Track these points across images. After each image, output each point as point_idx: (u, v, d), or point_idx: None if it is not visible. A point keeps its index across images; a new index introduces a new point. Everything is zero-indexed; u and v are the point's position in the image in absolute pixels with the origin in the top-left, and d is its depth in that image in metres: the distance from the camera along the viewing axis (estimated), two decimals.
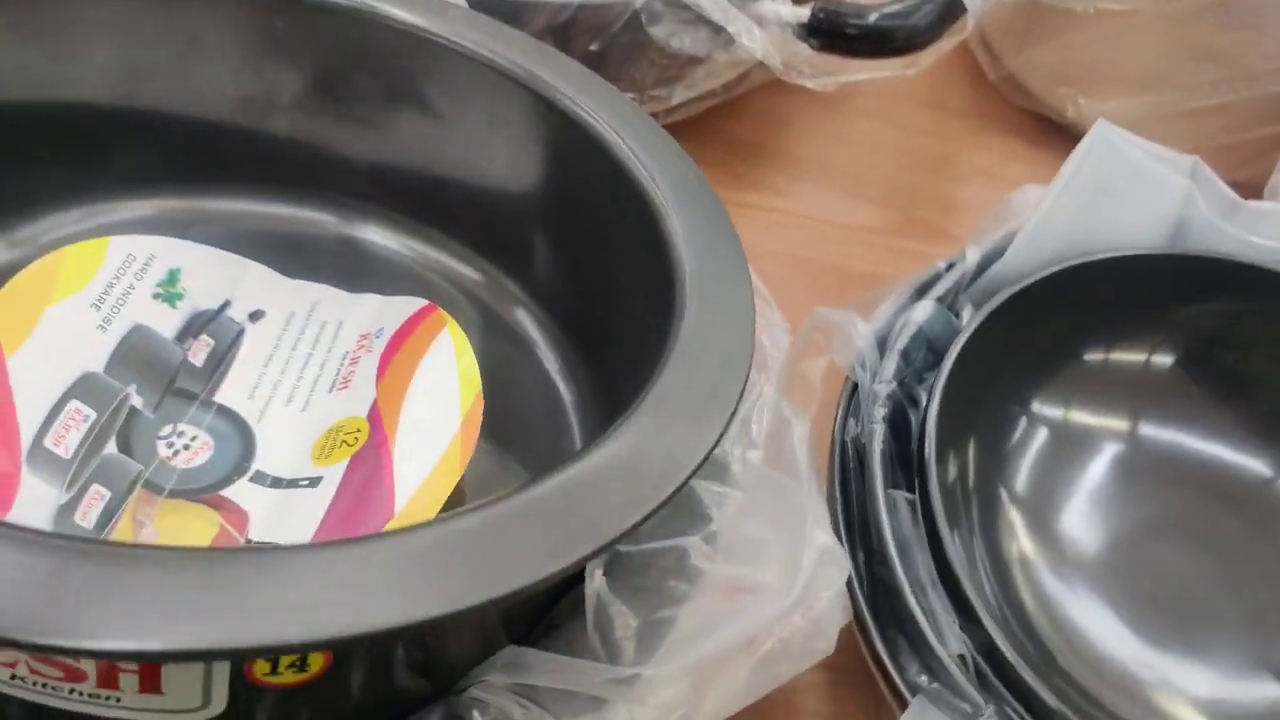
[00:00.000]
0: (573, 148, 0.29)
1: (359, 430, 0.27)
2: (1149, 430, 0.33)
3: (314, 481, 0.27)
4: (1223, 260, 0.31)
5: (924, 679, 0.26)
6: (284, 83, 0.31)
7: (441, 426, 0.27)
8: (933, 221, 0.45)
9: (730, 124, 0.45)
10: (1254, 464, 0.33)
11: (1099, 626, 0.30)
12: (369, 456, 0.27)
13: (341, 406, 0.28)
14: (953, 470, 0.30)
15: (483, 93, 0.30)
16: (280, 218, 0.33)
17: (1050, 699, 0.25)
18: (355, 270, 0.32)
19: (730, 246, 0.27)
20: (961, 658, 0.26)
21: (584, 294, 0.31)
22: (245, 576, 0.17)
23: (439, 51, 0.31)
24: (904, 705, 0.27)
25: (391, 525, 0.25)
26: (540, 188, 0.31)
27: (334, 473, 0.27)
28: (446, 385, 0.28)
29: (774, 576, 0.24)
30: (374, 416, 0.28)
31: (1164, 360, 0.33)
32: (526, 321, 0.32)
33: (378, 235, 0.34)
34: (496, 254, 0.33)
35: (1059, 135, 0.47)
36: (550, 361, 0.31)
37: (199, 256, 0.31)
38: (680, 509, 0.24)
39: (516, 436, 0.29)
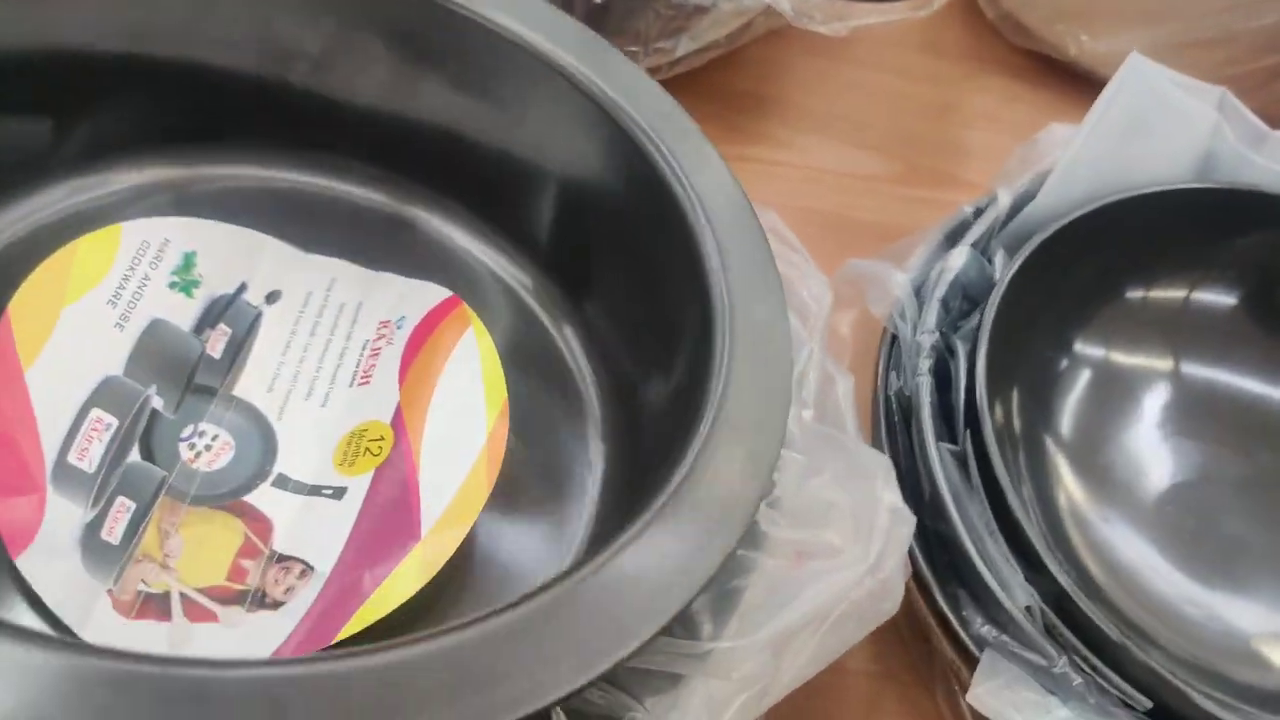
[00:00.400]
0: (631, 173, 0.28)
1: (383, 438, 0.27)
2: (1190, 367, 0.33)
3: (338, 492, 0.26)
4: (1259, 192, 0.31)
5: (987, 631, 0.26)
6: (311, 41, 0.29)
7: (467, 441, 0.26)
8: (938, 168, 0.45)
9: (728, 76, 0.44)
10: None
11: (1147, 568, 0.30)
12: (394, 471, 0.26)
13: (363, 406, 0.27)
14: (997, 416, 0.30)
15: (537, 89, 0.28)
16: (303, 185, 0.32)
17: (1120, 637, 0.24)
18: (390, 249, 0.31)
19: (773, 297, 0.26)
20: (1028, 609, 0.25)
21: (629, 316, 0.29)
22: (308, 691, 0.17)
23: (484, 33, 0.28)
24: (968, 659, 0.26)
25: (415, 552, 0.24)
26: (598, 204, 0.29)
27: (358, 485, 0.26)
28: (471, 393, 0.27)
29: (842, 539, 0.24)
30: (398, 424, 0.27)
31: (1204, 295, 0.33)
32: (570, 336, 0.30)
33: (424, 216, 0.32)
34: (547, 261, 0.31)
35: (1059, 74, 0.47)
36: (585, 379, 0.30)
37: (214, 235, 0.29)
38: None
39: (538, 453, 0.28)
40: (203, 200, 0.30)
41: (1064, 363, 0.32)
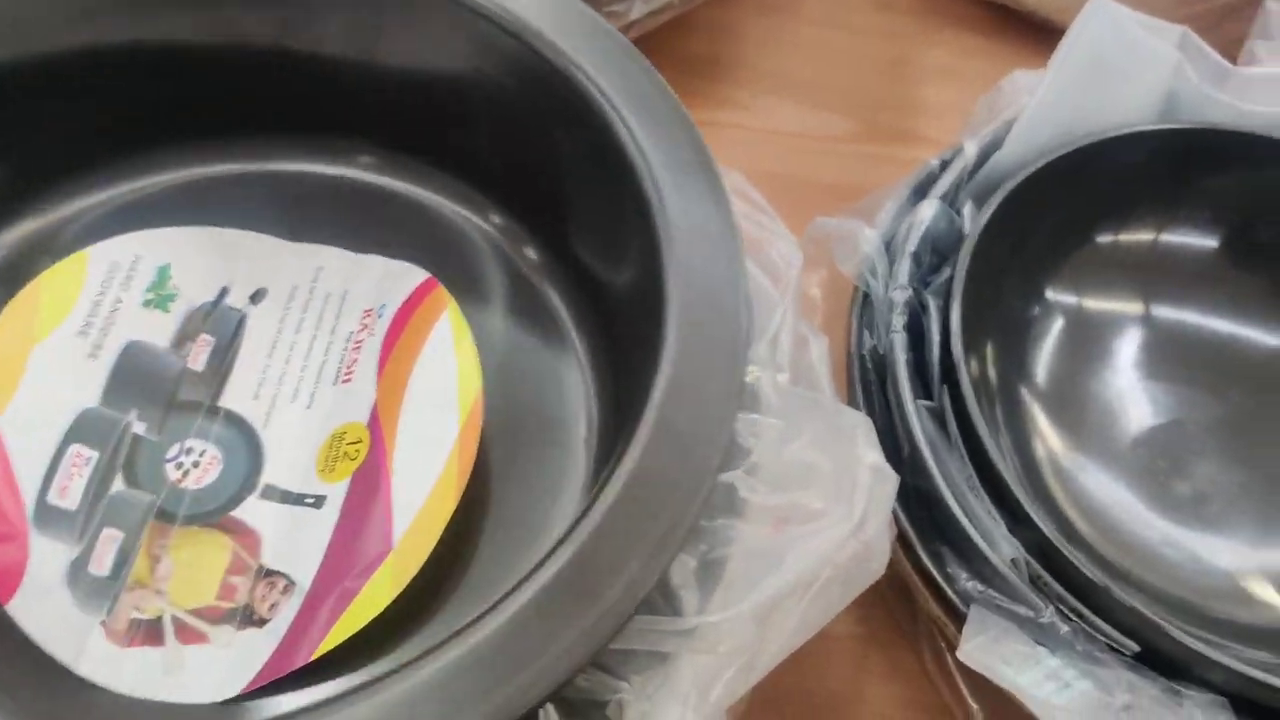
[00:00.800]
0: (571, 115, 0.26)
1: (360, 441, 0.26)
2: (1162, 310, 0.33)
3: (319, 501, 0.26)
4: (1224, 130, 0.31)
5: (972, 586, 0.26)
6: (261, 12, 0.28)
7: (439, 440, 0.26)
8: (897, 125, 0.44)
9: (682, 39, 0.43)
10: (1263, 335, 0.32)
11: (1125, 512, 0.30)
12: (369, 476, 0.26)
13: (344, 407, 0.27)
14: (973, 371, 0.29)
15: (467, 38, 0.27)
16: (276, 171, 0.31)
17: (1104, 581, 0.24)
18: (375, 225, 0.30)
19: (722, 224, 0.25)
20: (1013, 561, 0.25)
21: (590, 253, 0.29)
22: None
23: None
24: (954, 616, 0.26)
25: (388, 562, 0.24)
26: (542, 144, 0.28)
27: (337, 492, 0.26)
28: (444, 387, 0.26)
29: (824, 501, 0.23)
30: (374, 425, 0.26)
31: (1174, 237, 0.33)
32: (550, 289, 0.30)
33: (404, 186, 0.31)
34: (525, 213, 0.30)
35: (1016, 25, 0.46)
36: (565, 318, 0.29)
37: (188, 242, 0.29)
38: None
39: (529, 413, 0.27)
40: (171, 206, 0.29)
41: (1036, 311, 0.32)
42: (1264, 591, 0.29)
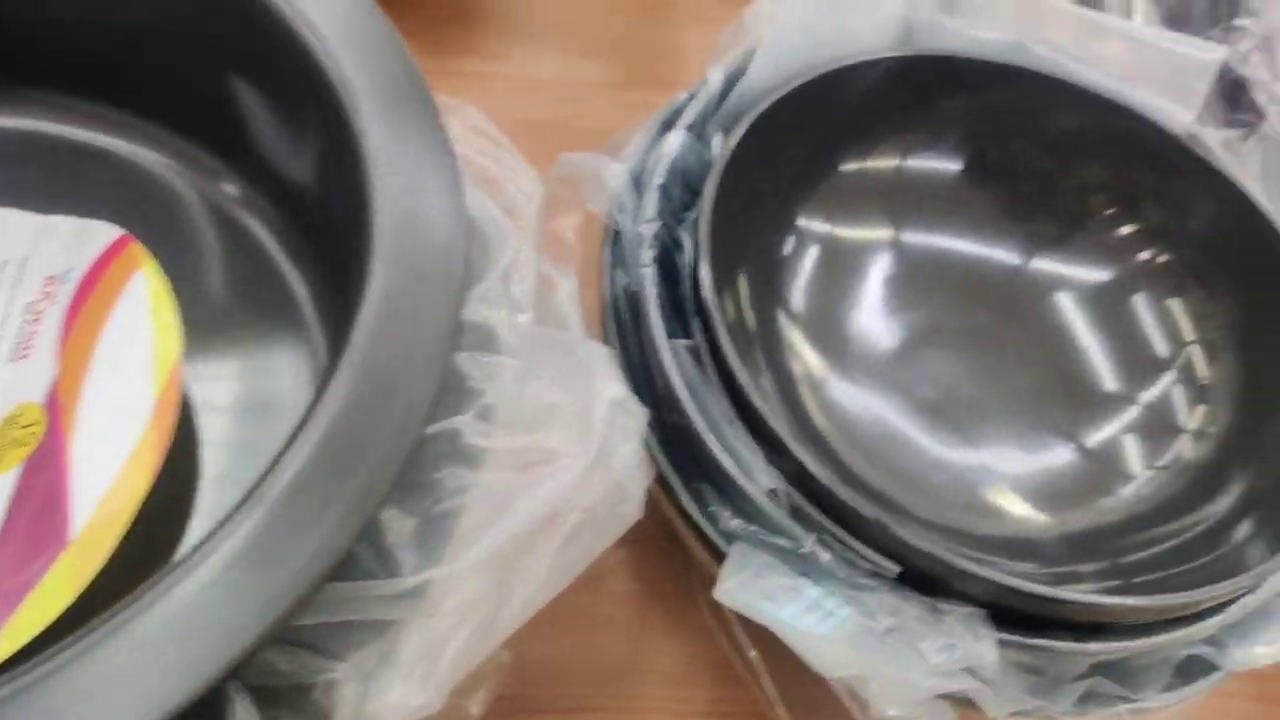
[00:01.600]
0: (261, 41, 0.23)
1: (35, 424, 0.22)
2: (910, 234, 0.33)
3: None
4: (951, 57, 0.31)
5: (736, 525, 0.25)
6: None
7: (131, 413, 0.22)
8: (656, 70, 0.43)
9: None
10: (1002, 254, 0.33)
11: (888, 437, 0.30)
12: (44, 462, 0.22)
13: (18, 385, 0.23)
14: (729, 306, 0.28)
15: None
16: None
17: (869, 511, 0.24)
18: (73, 187, 0.26)
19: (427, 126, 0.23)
20: (773, 492, 0.24)
21: (293, 183, 0.26)
22: None
23: None
24: (720, 558, 0.25)
25: (64, 559, 0.20)
26: (230, 74, 0.25)
27: (4, 485, 0.22)
28: (139, 351, 0.23)
29: (562, 441, 0.21)
30: (52, 404, 0.23)
31: (917, 162, 0.33)
32: (254, 219, 0.27)
33: (109, 140, 0.27)
34: (204, 138, 0.27)
35: None
36: (278, 257, 0.26)
37: None
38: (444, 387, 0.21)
39: (248, 366, 0.24)
40: None
41: (790, 240, 0.31)
42: (1018, 504, 0.30)
